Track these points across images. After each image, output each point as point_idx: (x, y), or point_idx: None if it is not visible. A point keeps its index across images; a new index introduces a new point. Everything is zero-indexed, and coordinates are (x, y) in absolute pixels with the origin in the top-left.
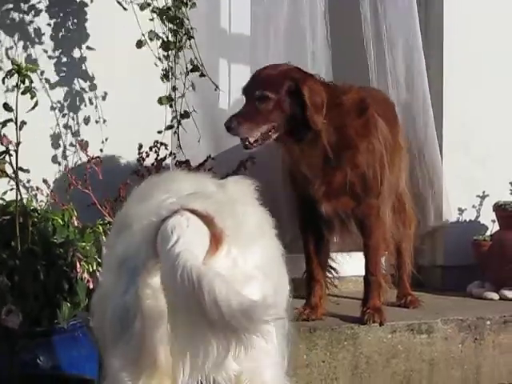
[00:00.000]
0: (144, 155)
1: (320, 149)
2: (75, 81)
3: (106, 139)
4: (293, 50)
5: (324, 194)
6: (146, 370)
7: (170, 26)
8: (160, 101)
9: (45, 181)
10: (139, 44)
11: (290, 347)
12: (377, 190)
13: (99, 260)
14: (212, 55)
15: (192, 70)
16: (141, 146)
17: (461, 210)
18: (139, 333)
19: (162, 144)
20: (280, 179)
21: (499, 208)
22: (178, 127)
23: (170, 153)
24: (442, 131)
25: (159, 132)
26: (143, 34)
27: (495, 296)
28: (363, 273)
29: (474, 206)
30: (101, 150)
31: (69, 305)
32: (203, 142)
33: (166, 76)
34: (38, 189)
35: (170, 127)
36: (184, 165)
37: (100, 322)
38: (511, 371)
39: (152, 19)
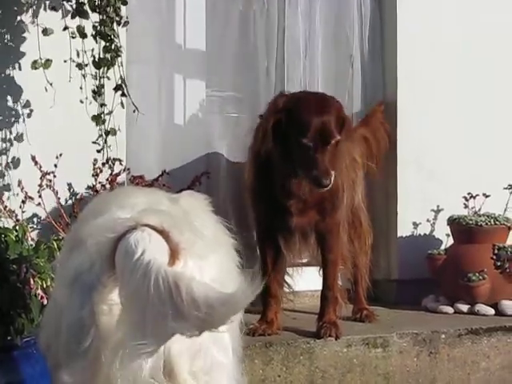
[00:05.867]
0: (98, 171)
1: None
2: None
3: (61, 154)
4: (247, 66)
5: (297, 209)
6: None
7: (103, 43)
8: (94, 119)
9: None
10: (34, 65)
11: (245, 363)
12: (340, 205)
13: (53, 276)
14: (166, 70)
15: (115, 89)
16: (96, 161)
17: (415, 225)
18: (94, 349)
19: (116, 159)
20: (234, 194)
21: (453, 222)
22: (104, 144)
23: (125, 168)
24: (396, 146)
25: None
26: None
27: (450, 310)
28: (319, 287)
29: (428, 221)
30: (55, 166)
31: (25, 321)
32: (158, 157)
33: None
34: None
35: (94, 143)
36: (139, 179)
37: (51, 338)
38: None
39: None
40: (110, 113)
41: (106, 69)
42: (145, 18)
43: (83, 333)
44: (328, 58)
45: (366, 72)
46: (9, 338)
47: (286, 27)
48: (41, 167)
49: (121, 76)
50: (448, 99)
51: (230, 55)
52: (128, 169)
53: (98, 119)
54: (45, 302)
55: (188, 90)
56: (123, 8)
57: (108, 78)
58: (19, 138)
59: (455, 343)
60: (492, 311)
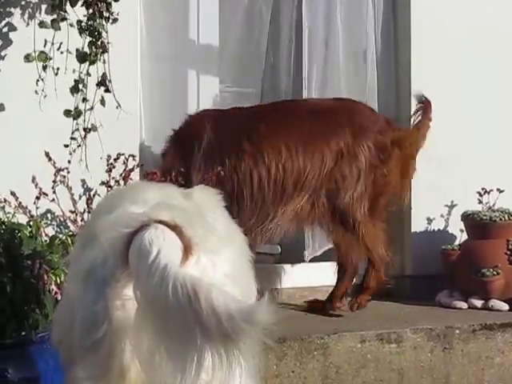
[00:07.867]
0: (111, 166)
1: None
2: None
3: (74, 150)
4: (260, 62)
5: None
6: (113, 381)
7: (88, 38)
8: (67, 114)
9: (12, 193)
10: (27, 58)
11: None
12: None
13: (67, 271)
14: (180, 66)
15: (98, 84)
16: (109, 157)
17: (429, 220)
18: (108, 344)
19: (130, 155)
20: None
21: (467, 217)
22: (83, 140)
23: (138, 164)
24: None
25: (66, 145)
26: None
27: (464, 305)
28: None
29: (442, 216)
30: (69, 162)
31: (39, 316)
32: None
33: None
34: (5, 201)
35: (72, 139)
36: (152, 175)
37: (64, 333)
38: (480, 380)
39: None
40: (91, 108)
41: (88, 64)
42: (159, 13)
43: (96, 328)
44: (339, 54)
45: (380, 66)
46: (23, 333)
47: (297, 23)
48: (54, 163)
49: (104, 72)
50: (465, 95)
51: (243, 51)
52: (141, 165)
53: (76, 114)
54: (59, 297)
55: (201, 85)
56: (114, 4)
57: (89, 74)
58: (32, 133)
59: (469, 339)
60: (506, 306)
